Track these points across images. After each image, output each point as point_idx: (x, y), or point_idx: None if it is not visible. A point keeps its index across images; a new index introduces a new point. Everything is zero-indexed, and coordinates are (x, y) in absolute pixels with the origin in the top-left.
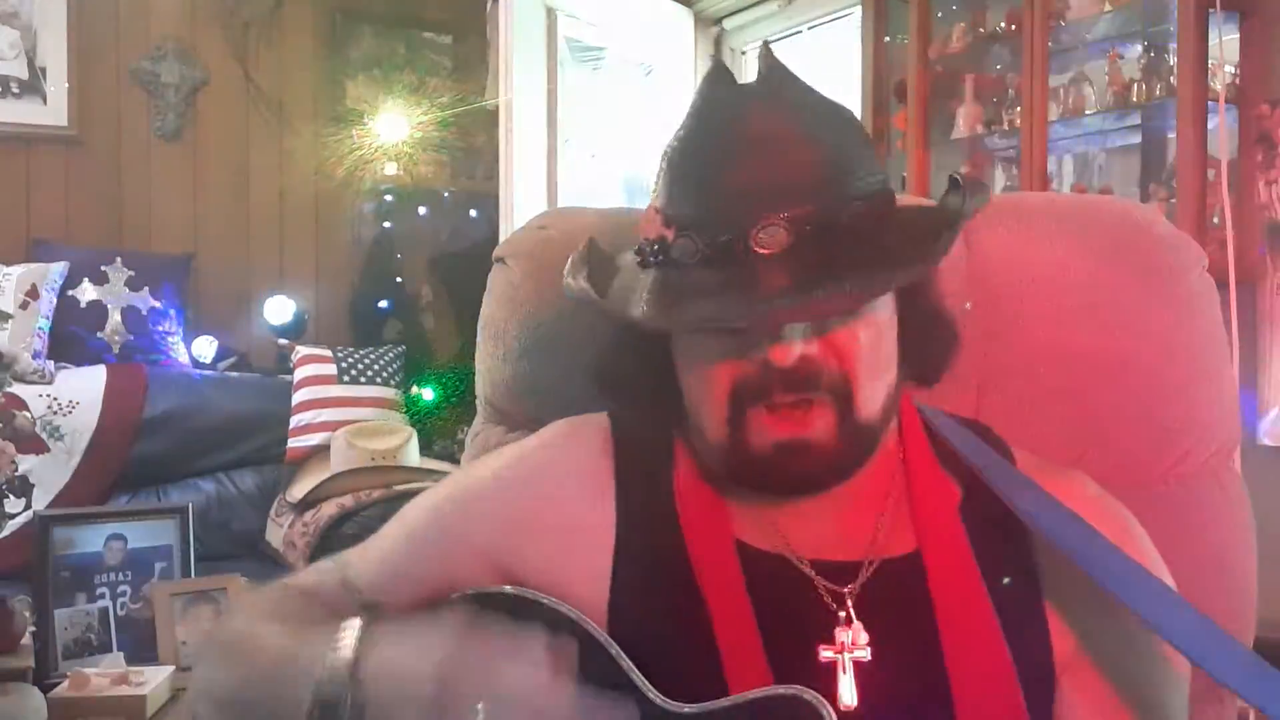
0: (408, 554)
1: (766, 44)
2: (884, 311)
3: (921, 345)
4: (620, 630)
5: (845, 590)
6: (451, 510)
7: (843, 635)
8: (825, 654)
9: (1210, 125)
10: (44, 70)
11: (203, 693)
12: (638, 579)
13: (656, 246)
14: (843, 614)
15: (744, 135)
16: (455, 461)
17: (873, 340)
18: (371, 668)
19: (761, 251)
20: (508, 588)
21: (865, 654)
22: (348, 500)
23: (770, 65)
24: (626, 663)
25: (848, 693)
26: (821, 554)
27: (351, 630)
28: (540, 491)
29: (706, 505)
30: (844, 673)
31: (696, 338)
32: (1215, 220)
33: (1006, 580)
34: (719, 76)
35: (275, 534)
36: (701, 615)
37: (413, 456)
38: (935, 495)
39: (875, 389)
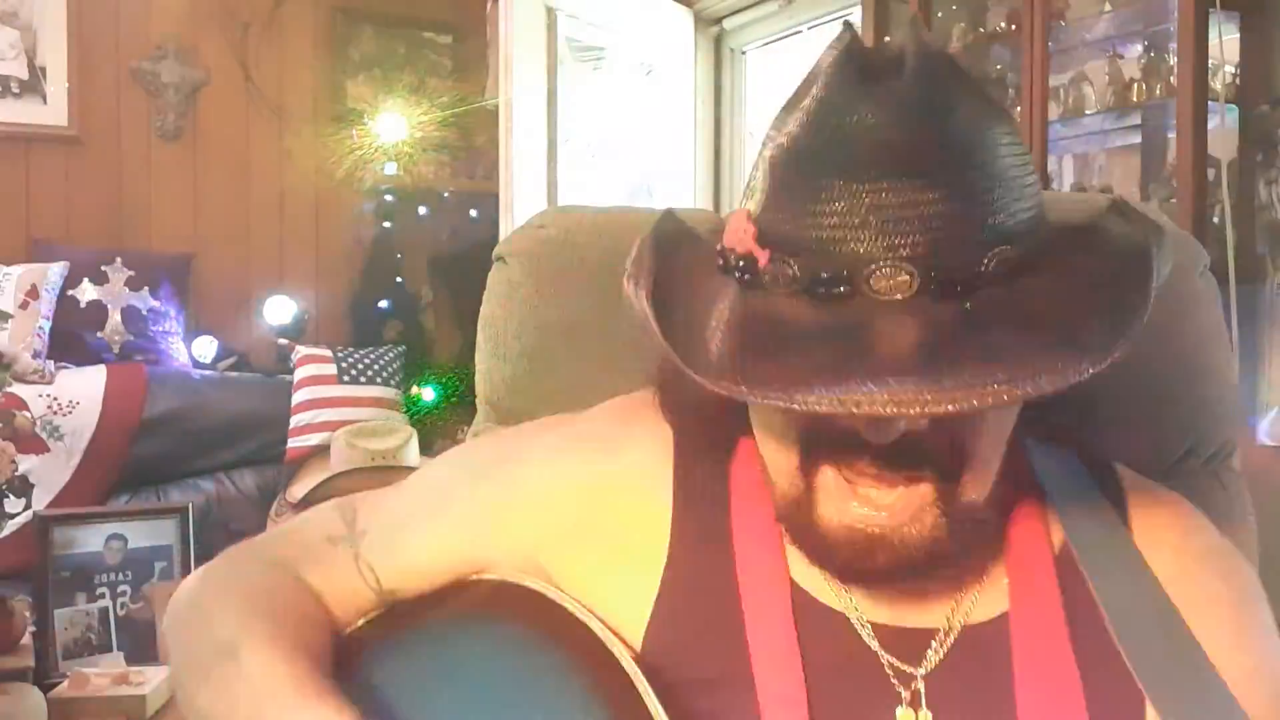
0: (435, 543)
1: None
2: None
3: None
4: (655, 662)
5: (915, 671)
6: (491, 501)
7: (906, 718)
8: None
9: (1210, 125)
10: (44, 70)
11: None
12: (682, 611)
13: (743, 263)
14: (906, 694)
15: (873, 143)
16: None
17: (1004, 411)
18: None
19: (878, 297)
20: (540, 586)
21: None
22: None
23: (924, 53)
24: (651, 698)
25: None
26: (892, 616)
27: None
28: (594, 498)
29: (763, 538)
30: None
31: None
32: (1215, 220)
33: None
34: (849, 60)
35: None
36: (745, 666)
37: (413, 456)
38: (1033, 548)
39: (991, 462)
